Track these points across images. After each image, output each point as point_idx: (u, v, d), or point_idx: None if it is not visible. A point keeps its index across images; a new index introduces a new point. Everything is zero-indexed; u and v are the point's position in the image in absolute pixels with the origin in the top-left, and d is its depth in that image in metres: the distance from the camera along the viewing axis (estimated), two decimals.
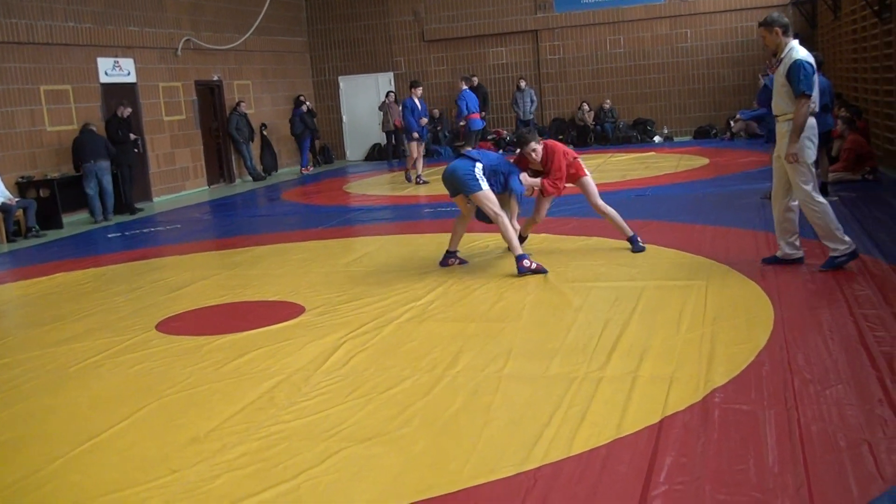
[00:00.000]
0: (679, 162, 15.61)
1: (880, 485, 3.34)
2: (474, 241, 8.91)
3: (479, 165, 7.56)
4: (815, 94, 6.48)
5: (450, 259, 7.97)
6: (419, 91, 15.48)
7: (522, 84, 20.08)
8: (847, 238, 6.62)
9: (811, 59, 6.48)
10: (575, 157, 8.05)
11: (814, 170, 6.59)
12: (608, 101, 21.08)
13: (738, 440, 3.81)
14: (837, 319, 5.43)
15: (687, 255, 7.63)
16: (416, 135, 15.36)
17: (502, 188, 7.71)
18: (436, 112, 21.57)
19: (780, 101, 6.61)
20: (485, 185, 7.48)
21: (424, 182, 15.08)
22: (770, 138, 10.40)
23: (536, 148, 7.80)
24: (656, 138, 20.58)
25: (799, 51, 6.49)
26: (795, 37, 6.72)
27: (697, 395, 4.34)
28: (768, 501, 3.28)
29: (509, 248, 7.56)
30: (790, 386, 4.37)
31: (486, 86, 21.44)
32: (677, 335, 5.37)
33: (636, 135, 20.66)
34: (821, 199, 6.57)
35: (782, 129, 6.62)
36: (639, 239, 8.01)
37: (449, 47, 22.11)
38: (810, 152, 6.51)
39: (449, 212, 11.59)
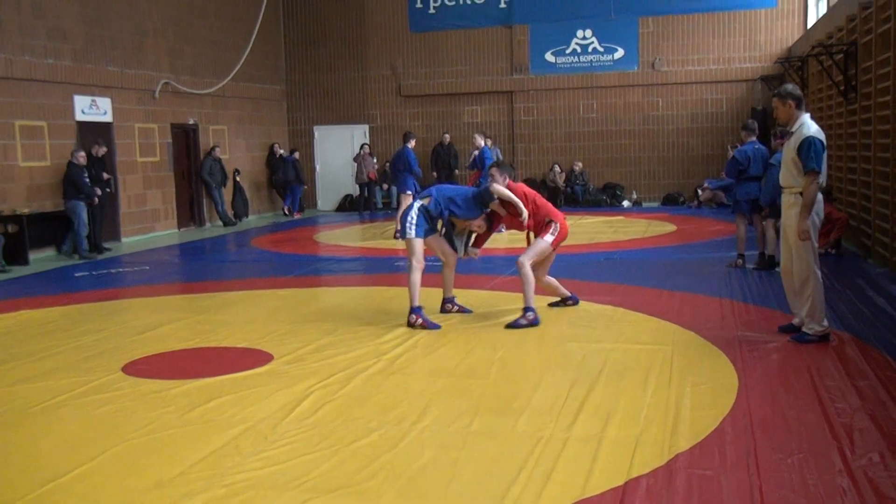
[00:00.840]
0: (647, 227, 15.86)
1: None
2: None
3: (416, 205, 7.65)
4: (824, 169, 6.60)
5: (447, 305, 8.11)
6: (413, 143, 15.33)
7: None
8: (826, 322, 6.74)
9: (822, 137, 6.57)
10: (550, 220, 7.89)
11: (816, 245, 6.68)
12: (579, 163, 21.42)
13: None
14: (800, 390, 5.53)
15: (653, 320, 7.74)
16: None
17: (473, 213, 7.79)
18: None
19: (788, 174, 6.68)
20: (413, 231, 7.56)
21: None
22: (736, 208, 10.64)
23: (496, 176, 7.81)
24: (625, 203, 20.90)
25: (810, 126, 6.58)
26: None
27: (662, 459, 4.39)
28: None
29: (462, 309, 8.07)
30: (752, 453, 4.44)
31: (460, 143, 21.70)
32: (643, 398, 5.44)
33: (606, 198, 20.96)
34: (820, 275, 6.68)
35: (788, 200, 6.71)
36: (528, 316, 7.56)
37: (424, 103, 22.40)
38: (813, 227, 6.60)
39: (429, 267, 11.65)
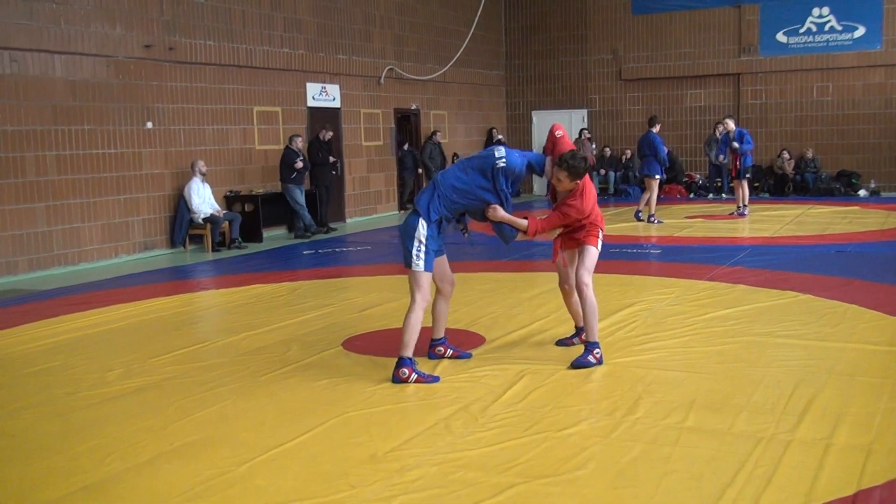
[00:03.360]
0: (886, 219, 14.70)
1: None
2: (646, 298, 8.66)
3: (422, 224, 5.78)
4: None
5: (438, 348, 6.36)
6: (657, 127, 15.15)
7: (720, 129, 19.45)
8: None
9: None
10: (590, 223, 6.18)
11: None
12: (811, 150, 20.17)
13: None
14: None
15: (891, 319, 7.15)
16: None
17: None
18: (627, 152, 21.33)
19: None
20: (422, 263, 5.80)
21: (659, 222, 14.77)
22: None
23: (562, 181, 5.89)
24: (862, 192, 19.48)
25: None
26: None
27: None
28: None
29: (455, 355, 6.30)
30: None
31: (682, 128, 21.10)
32: (877, 403, 5.03)
33: (839, 187, 19.63)
34: None
35: None
36: (596, 354, 6.04)
37: (645, 87, 21.85)
38: None
39: (664, 255, 11.38)
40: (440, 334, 6.35)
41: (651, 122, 15.07)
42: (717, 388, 5.46)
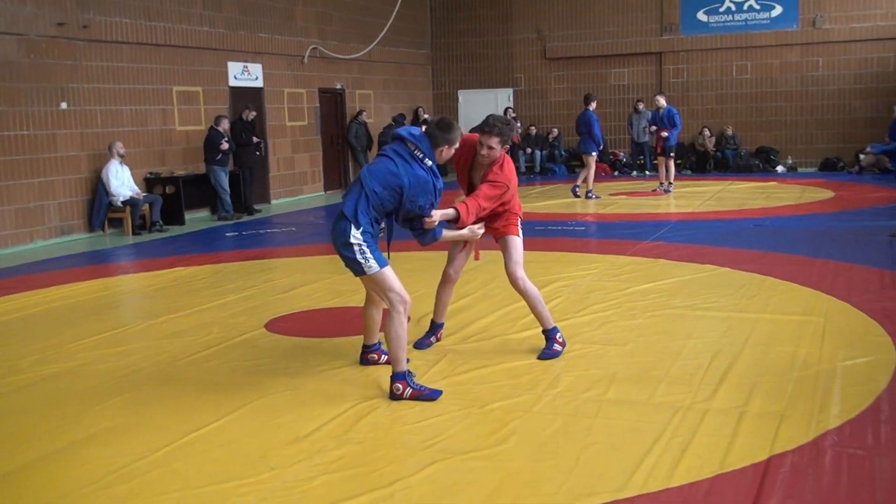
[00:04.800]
0: (802, 193, 15.11)
1: None
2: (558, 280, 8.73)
3: (353, 229, 4.97)
4: None
5: (370, 354, 5.70)
6: (594, 105, 15.34)
7: (640, 106, 19.75)
8: None
9: None
10: (508, 210, 5.79)
11: None
12: (730, 127, 20.59)
13: (849, 487, 3.64)
14: None
15: (804, 290, 7.35)
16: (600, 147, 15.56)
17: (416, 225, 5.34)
18: (554, 131, 21.49)
19: None
20: (374, 261, 5.01)
21: (597, 197, 15.04)
22: None
23: (495, 148, 5.42)
24: (779, 168, 19.97)
25: None
26: None
27: (808, 436, 4.16)
28: None
29: (389, 359, 5.17)
30: None
31: (606, 106, 21.31)
32: (790, 371, 5.17)
33: (758, 163, 20.08)
34: None
35: None
36: (556, 340, 5.78)
37: (570, 66, 22.00)
38: None
39: (588, 232, 11.47)
40: (373, 340, 5.65)
41: (587, 100, 15.31)
42: (637, 361, 5.54)
